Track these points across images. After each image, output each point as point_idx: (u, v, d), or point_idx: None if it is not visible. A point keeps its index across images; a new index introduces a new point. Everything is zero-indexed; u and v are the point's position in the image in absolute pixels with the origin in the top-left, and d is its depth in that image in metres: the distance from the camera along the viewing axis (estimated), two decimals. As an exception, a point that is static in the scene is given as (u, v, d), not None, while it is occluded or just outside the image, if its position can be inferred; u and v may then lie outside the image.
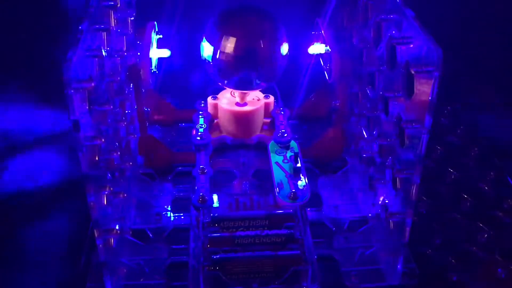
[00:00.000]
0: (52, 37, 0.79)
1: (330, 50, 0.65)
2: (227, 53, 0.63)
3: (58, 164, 0.71)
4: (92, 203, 0.45)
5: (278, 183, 0.60)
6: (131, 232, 0.59)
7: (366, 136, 0.61)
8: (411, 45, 0.46)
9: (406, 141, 0.49)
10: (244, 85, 0.65)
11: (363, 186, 0.63)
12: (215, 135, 0.71)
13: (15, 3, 0.81)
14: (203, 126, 0.67)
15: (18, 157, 0.73)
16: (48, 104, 0.77)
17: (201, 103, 0.72)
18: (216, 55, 0.63)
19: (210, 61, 0.64)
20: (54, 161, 0.72)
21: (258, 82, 0.65)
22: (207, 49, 0.64)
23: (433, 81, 0.42)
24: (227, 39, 0.62)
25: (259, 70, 0.63)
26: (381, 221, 0.56)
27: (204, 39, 0.65)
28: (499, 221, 0.62)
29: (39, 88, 0.80)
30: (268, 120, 0.72)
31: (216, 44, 0.63)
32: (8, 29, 0.82)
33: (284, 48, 0.65)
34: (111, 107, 0.51)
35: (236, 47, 0.62)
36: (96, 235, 0.47)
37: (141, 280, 0.56)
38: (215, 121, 0.72)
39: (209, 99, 0.71)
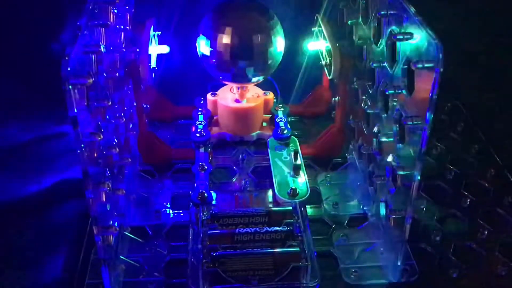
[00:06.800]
0: (51, 33, 0.79)
1: (330, 46, 0.65)
2: (222, 46, 0.63)
3: (58, 161, 0.71)
4: (91, 200, 0.45)
5: (277, 180, 0.60)
6: (130, 229, 0.59)
7: (366, 132, 0.61)
8: (412, 41, 0.46)
9: (407, 138, 0.49)
10: (240, 78, 0.65)
11: (363, 183, 0.63)
12: (214, 131, 0.71)
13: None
14: (203, 122, 0.67)
15: (18, 155, 0.72)
16: (48, 101, 0.77)
17: (200, 100, 0.72)
18: (212, 48, 0.63)
19: (207, 55, 0.64)
20: (54, 158, 0.72)
21: (254, 74, 0.65)
22: (203, 44, 0.64)
23: (434, 77, 0.41)
24: (222, 32, 0.63)
25: (254, 62, 0.63)
26: (381, 218, 0.56)
27: (200, 34, 0.65)
28: (499, 218, 0.62)
29: (38, 85, 0.80)
30: (268, 117, 0.72)
31: (211, 37, 0.63)
32: (7, 26, 0.81)
33: (279, 40, 0.65)
34: (110, 103, 0.50)
35: (230, 39, 0.62)
36: (95, 232, 0.47)
37: (140, 277, 0.55)
38: (215, 118, 0.72)
39: (209, 96, 0.71)
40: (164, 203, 0.64)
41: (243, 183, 0.67)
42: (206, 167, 0.61)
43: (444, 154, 0.71)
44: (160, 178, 0.68)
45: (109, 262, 0.50)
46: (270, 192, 0.64)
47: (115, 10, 0.57)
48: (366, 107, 0.59)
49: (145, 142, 0.68)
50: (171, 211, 0.63)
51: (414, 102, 0.47)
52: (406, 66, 0.48)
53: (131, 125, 0.65)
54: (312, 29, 0.71)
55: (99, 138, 0.47)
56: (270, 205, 0.62)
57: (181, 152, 0.71)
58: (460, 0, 0.85)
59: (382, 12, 0.52)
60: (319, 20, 0.68)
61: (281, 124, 0.66)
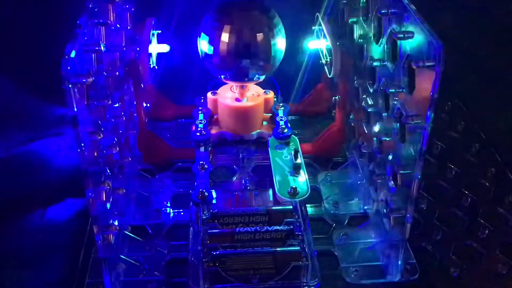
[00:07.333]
0: (51, 31, 0.78)
1: (330, 45, 0.65)
2: (224, 44, 0.63)
3: (58, 160, 0.71)
4: (91, 199, 0.45)
5: (277, 179, 0.60)
6: (130, 228, 0.59)
7: (366, 131, 0.61)
8: (413, 40, 0.46)
9: (407, 137, 0.49)
10: (241, 76, 0.65)
11: (364, 182, 0.63)
12: (214, 130, 0.71)
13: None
14: (203, 121, 0.67)
15: (19, 154, 0.72)
16: (48, 100, 0.77)
17: (200, 99, 0.72)
18: (213, 47, 0.63)
19: (208, 53, 0.64)
20: (54, 157, 0.72)
21: (255, 73, 0.65)
22: (204, 43, 0.64)
23: (434, 76, 0.41)
24: (223, 30, 0.62)
25: (255, 61, 0.63)
26: (382, 217, 0.56)
27: (201, 33, 0.65)
28: (499, 217, 0.62)
29: (38, 84, 0.80)
30: (268, 116, 0.72)
31: (212, 36, 0.63)
32: (7, 25, 0.81)
33: (280, 39, 0.65)
34: (110, 102, 0.50)
35: (232, 38, 0.62)
36: (95, 231, 0.47)
37: (141, 276, 0.55)
38: (215, 116, 0.72)
39: (209, 95, 0.71)
40: (164, 202, 0.64)
41: (243, 182, 0.67)
42: (206, 166, 0.61)
43: (445, 153, 0.71)
44: (160, 177, 0.68)
45: (109, 261, 0.50)
46: (270, 191, 0.64)
47: (115, 9, 0.57)
48: (366, 106, 0.59)
49: (145, 141, 0.68)
50: (171, 210, 0.63)
51: (414, 101, 0.46)
52: (406, 65, 0.48)
53: (131, 124, 0.65)
54: (313, 27, 0.70)
55: (99, 137, 0.47)
56: (271, 204, 0.62)
57: (181, 151, 0.70)
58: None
59: (383, 11, 0.52)
60: (320, 18, 0.68)
61: (282, 123, 0.66)
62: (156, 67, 0.69)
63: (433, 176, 0.67)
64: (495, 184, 0.66)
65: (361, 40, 0.60)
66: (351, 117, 0.67)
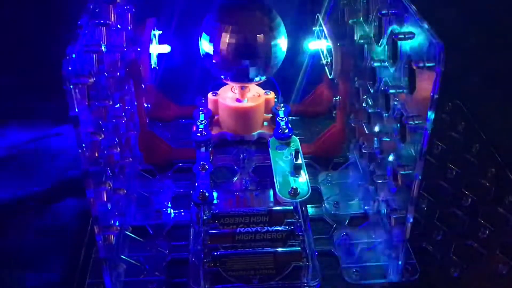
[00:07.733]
0: (52, 32, 0.78)
1: (331, 45, 0.65)
2: (225, 45, 0.63)
3: (59, 161, 0.71)
4: (92, 200, 0.45)
5: (278, 180, 0.60)
6: (131, 229, 0.59)
7: (367, 132, 0.61)
8: (413, 40, 0.46)
9: (408, 137, 0.49)
10: (242, 77, 0.65)
11: (364, 182, 0.63)
12: (215, 131, 0.71)
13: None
14: (204, 122, 0.67)
15: (19, 153, 0.72)
16: (49, 100, 0.77)
17: (201, 99, 0.72)
18: (215, 48, 0.63)
19: (209, 53, 0.64)
20: (54, 158, 0.72)
21: (256, 74, 0.65)
22: (205, 43, 0.64)
23: (434, 76, 0.41)
24: (225, 31, 0.63)
25: (257, 61, 0.63)
26: (382, 218, 0.56)
27: (202, 34, 0.65)
28: (500, 217, 0.62)
29: (39, 84, 0.80)
30: (269, 116, 0.72)
31: (214, 36, 0.63)
32: (7, 25, 0.81)
33: (282, 40, 0.65)
34: (111, 102, 0.50)
35: (233, 39, 0.62)
36: (96, 231, 0.47)
37: (141, 276, 0.55)
38: (216, 117, 0.72)
39: (210, 95, 0.71)
40: (165, 203, 0.64)
41: (244, 182, 0.67)
42: (207, 167, 0.61)
43: (445, 153, 0.71)
44: (161, 178, 0.68)
45: (110, 262, 0.50)
46: (271, 192, 0.64)
47: (116, 10, 0.57)
48: (367, 106, 0.59)
49: (146, 142, 0.68)
50: (172, 211, 0.63)
51: (415, 102, 0.46)
52: (407, 66, 0.48)
53: (132, 125, 0.65)
54: (313, 28, 0.70)
55: (100, 138, 0.47)
56: (271, 205, 0.62)
57: (182, 151, 0.70)
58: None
59: (383, 11, 0.52)
60: (320, 19, 0.68)
61: (282, 123, 0.66)
62: (157, 68, 0.69)
63: (433, 176, 0.67)
64: (495, 184, 0.66)
65: (362, 41, 0.60)
66: (351, 117, 0.67)
